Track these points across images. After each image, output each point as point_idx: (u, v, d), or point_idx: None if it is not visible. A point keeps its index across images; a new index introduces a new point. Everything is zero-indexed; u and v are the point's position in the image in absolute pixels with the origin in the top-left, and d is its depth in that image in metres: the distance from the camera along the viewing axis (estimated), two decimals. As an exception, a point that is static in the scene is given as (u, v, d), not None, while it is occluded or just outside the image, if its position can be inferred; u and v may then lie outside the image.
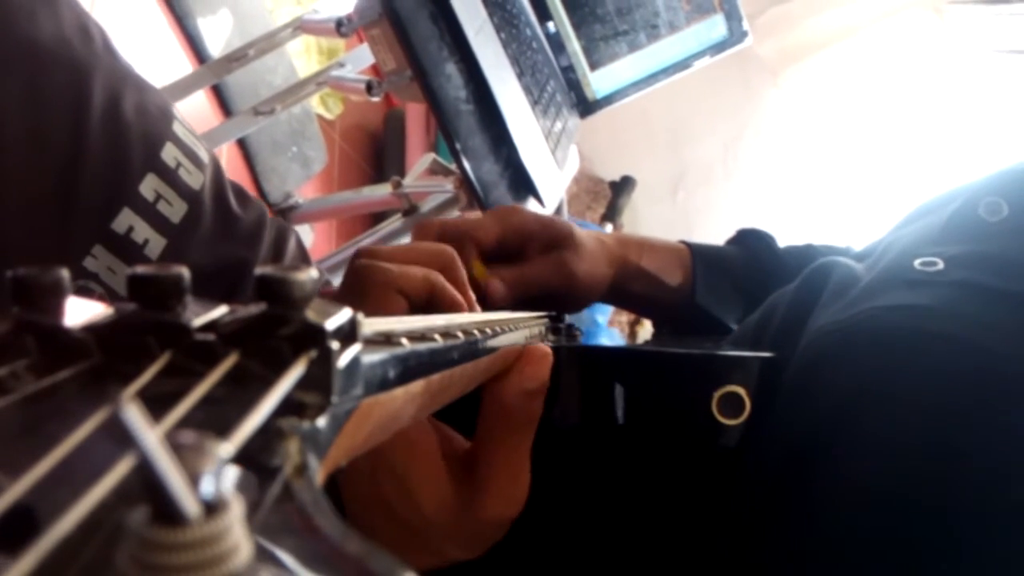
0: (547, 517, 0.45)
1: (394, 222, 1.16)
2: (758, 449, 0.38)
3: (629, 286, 0.63)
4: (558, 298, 0.57)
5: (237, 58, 1.17)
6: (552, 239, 0.57)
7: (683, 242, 0.67)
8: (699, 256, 0.65)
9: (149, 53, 1.46)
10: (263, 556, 0.11)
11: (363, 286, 0.38)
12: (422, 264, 0.40)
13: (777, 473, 0.37)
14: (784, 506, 0.36)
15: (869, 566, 0.33)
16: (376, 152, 2.34)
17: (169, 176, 0.51)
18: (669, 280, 0.64)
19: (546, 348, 0.35)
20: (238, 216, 0.57)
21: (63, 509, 0.10)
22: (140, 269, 0.14)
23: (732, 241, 0.72)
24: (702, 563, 0.40)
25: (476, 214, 0.75)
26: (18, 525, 0.10)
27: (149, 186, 0.49)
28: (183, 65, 1.54)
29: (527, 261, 0.57)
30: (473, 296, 0.42)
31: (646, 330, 2.13)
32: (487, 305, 0.53)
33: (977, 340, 0.35)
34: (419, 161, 1.12)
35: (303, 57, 1.96)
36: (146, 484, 0.09)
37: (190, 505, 0.10)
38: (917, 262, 0.42)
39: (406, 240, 1.13)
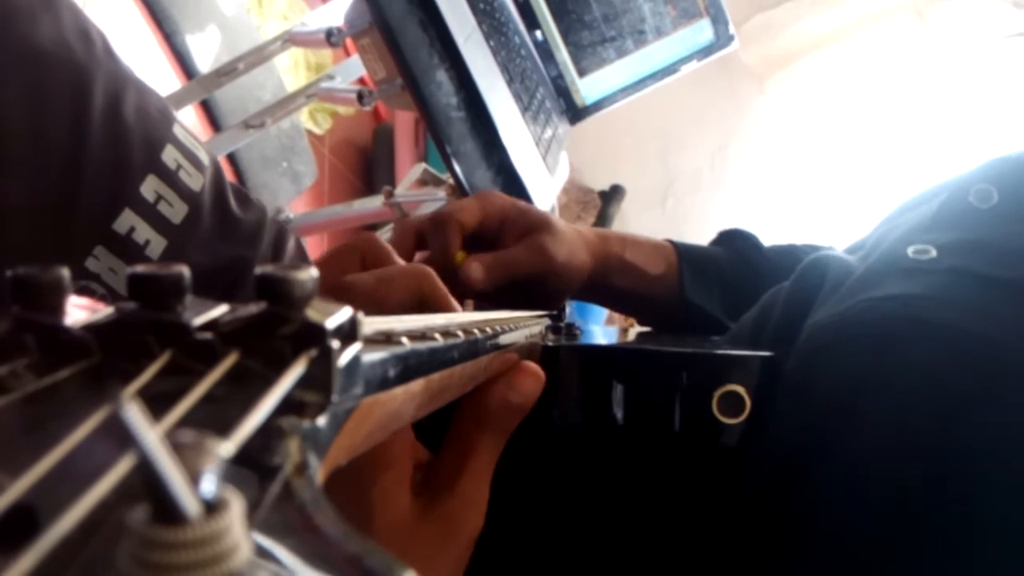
0: (547, 517, 0.45)
1: (384, 233, 1.16)
2: (758, 447, 0.38)
3: (611, 280, 0.63)
4: (536, 286, 0.57)
5: (226, 72, 1.17)
6: (529, 224, 0.57)
7: (668, 240, 0.67)
8: (684, 253, 0.65)
9: (138, 69, 1.46)
10: (263, 555, 0.10)
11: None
12: (400, 288, 0.39)
13: (777, 468, 0.37)
14: (785, 500, 0.36)
15: (871, 558, 0.33)
16: (366, 166, 2.34)
17: (170, 177, 0.51)
18: (653, 274, 0.64)
19: (540, 371, 0.34)
20: (238, 217, 0.57)
21: (63, 508, 0.10)
22: (140, 268, 0.14)
23: (715, 242, 0.72)
24: (703, 562, 0.40)
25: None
26: (18, 524, 0.10)
27: (150, 187, 0.49)
28: (172, 81, 1.54)
29: (505, 246, 0.56)
30: (456, 305, 0.41)
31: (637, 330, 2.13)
32: (464, 289, 0.53)
33: (972, 327, 0.35)
34: (411, 171, 1.13)
35: (291, 73, 1.96)
36: (146, 483, 0.09)
37: (190, 504, 0.10)
38: (910, 250, 0.42)
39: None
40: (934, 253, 0.41)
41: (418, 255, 0.57)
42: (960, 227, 0.42)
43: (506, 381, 0.32)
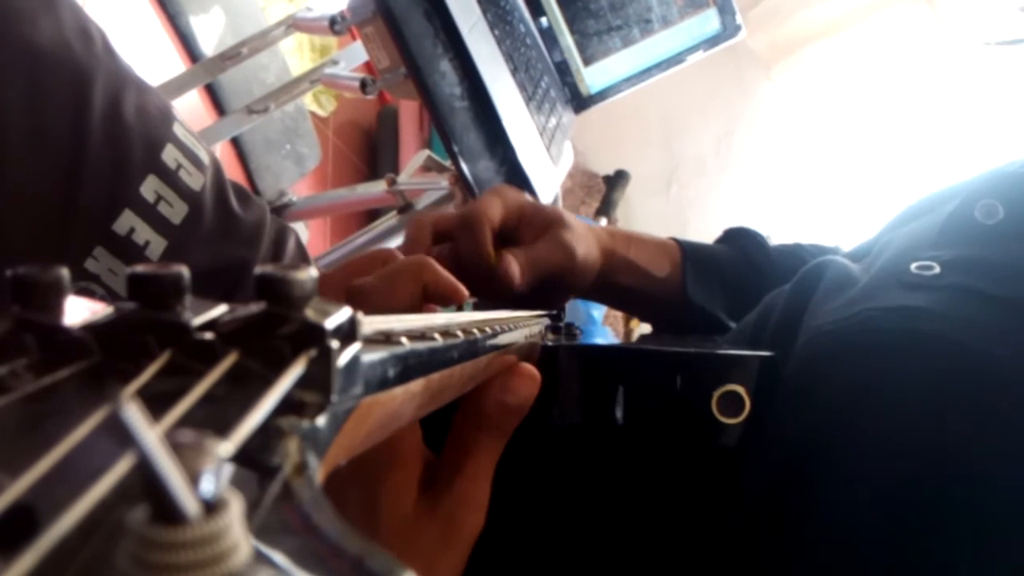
0: (547, 516, 0.45)
1: (389, 219, 1.16)
2: (757, 448, 0.38)
3: (616, 278, 0.63)
4: (553, 283, 0.57)
5: (230, 56, 1.17)
6: (545, 220, 0.57)
7: (672, 239, 0.67)
8: (689, 252, 0.65)
9: (142, 52, 1.46)
10: (262, 555, 0.11)
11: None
12: (404, 281, 0.39)
13: (776, 472, 0.37)
14: (783, 506, 0.37)
15: (867, 565, 0.33)
16: (370, 149, 2.34)
17: (170, 177, 0.51)
18: (657, 273, 0.64)
19: (535, 371, 0.34)
20: (239, 217, 0.57)
21: (63, 508, 0.10)
22: (140, 268, 0.14)
23: (721, 240, 0.71)
24: (702, 562, 0.40)
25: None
26: (18, 524, 0.10)
27: (150, 187, 0.49)
28: (176, 64, 1.54)
29: (527, 242, 0.56)
30: (464, 291, 0.41)
31: (642, 328, 2.13)
32: (500, 287, 0.53)
33: (973, 343, 0.35)
34: (414, 158, 1.12)
35: (296, 55, 1.96)
36: (146, 483, 0.09)
37: (189, 504, 0.10)
38: (913, 266, 0.42)
39: (400, 238, 1.13)
40: (937, 270, 0.41)
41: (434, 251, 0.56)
42: (964, 243, 0.42)
43: (501, 383, 0.32)
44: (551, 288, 0.57)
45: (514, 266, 0.52)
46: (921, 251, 0.43)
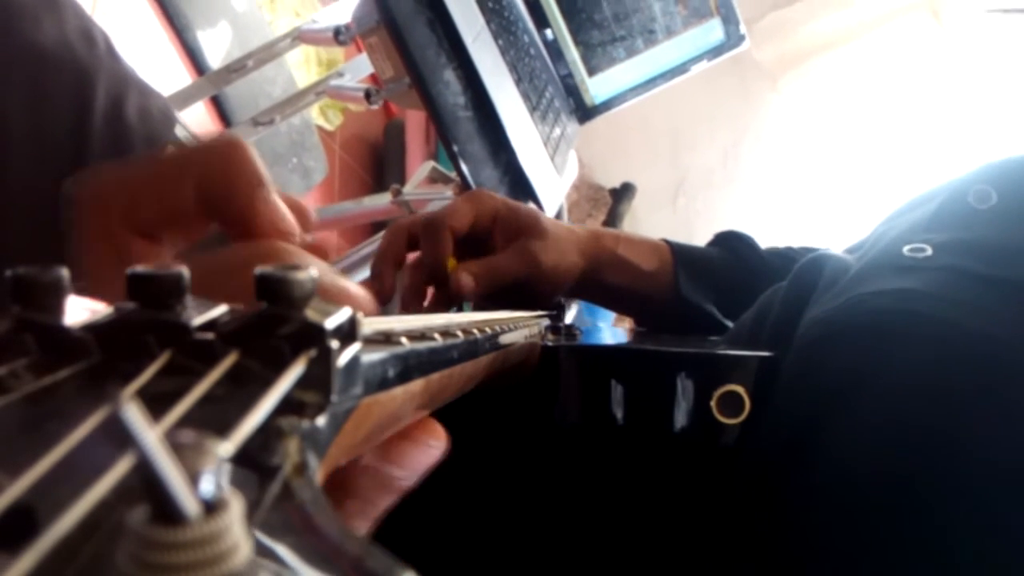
0: (547, 516, 0.45)
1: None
2: (756, 444, 0.38)
3: (604, 277, 0.63)
4: (525, 289, 0.57)
5: (236, 69, 1.17)
6: (519, 226, 0.57)
7: (663, 239, 0.67)
8: (679, 251, 0.65)
9: (149, 65, 1.47)
10: (262, 555, 0.11)
11: None
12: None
13: (774, 463, 0.37)
14: (781, 495, 0.36)
15: (865, 551, 0.33)
16: (376, 162, 2.34)
17: None
18: (647, 270, 0.64)
19: (441, 433, 0.25)
20: None
21: (63, 508, 0.10)
22: (140, 268, 0.14)
23: (712, 243, 0.72)
24: (702, 561, 0.40)
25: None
26: (18, 524, 0.10)
27: None
28: (182, 77, 1.55)
29: (494, 251, 0.57)
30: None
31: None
32: (456, 298, 0.53)
33: (968, 323, 0.35)
34: (419, 169, 1.12)
35: (302, 68, 1.97)
36: (146, 483, 0.09)
37: (189, 504, 0.10)
38: (906, 248, 0.42)
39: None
40: (929, 251, 0.41)
41: (410, 256, 0.57)
42: (958, 227, 0.42)
43: (381, 449, 0.22)
44: (521, 293, 0.57)
45: (466, 279, 0.53)
46: (914, 235, 0.43)
